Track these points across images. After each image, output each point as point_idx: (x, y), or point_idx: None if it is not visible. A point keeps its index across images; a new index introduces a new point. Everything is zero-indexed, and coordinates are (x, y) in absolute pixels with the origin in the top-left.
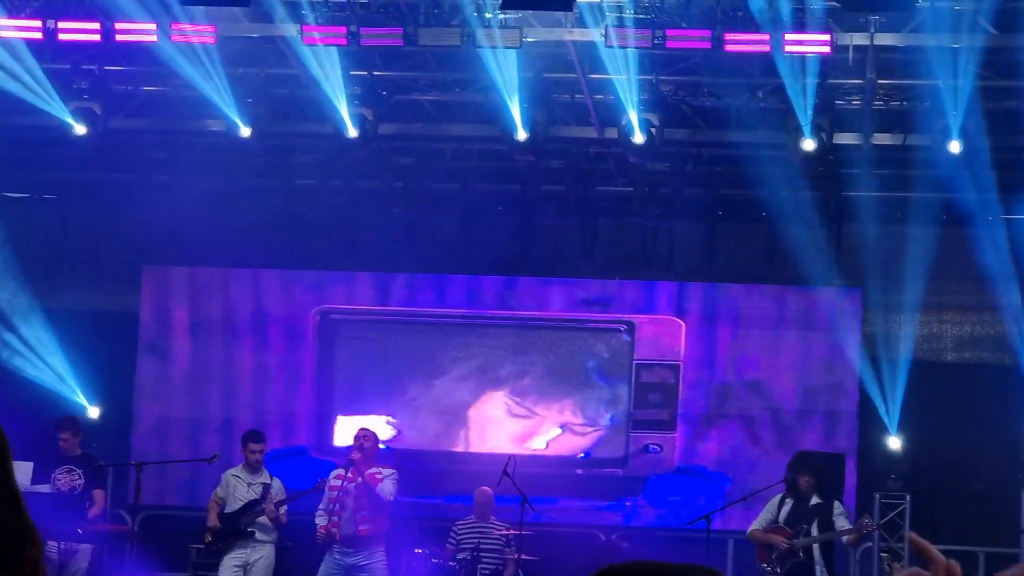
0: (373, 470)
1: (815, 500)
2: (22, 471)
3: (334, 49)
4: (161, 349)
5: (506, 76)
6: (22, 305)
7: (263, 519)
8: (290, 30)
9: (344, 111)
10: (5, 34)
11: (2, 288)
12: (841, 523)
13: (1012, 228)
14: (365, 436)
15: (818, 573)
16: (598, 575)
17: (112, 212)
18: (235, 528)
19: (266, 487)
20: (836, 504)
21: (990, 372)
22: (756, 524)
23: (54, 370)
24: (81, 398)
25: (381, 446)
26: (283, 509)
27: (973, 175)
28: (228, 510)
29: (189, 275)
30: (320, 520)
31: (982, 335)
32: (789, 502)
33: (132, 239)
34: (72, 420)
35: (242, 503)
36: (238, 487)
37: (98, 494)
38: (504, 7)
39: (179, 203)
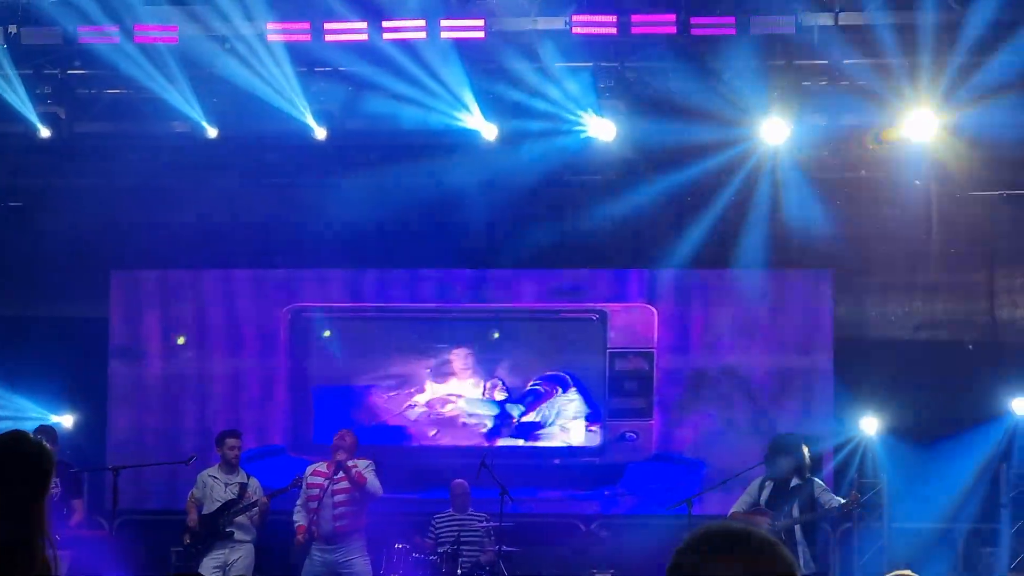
0: (353, 465)
1: (795, 481)
2: None
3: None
4: (133, 353)
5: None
6: None
7: (242, 519)
8: (250, 28)
9: (305, 109)
10: None
11: None
12: (826, 497)
13: (981, 205)
14: (347, 434)
15: (800, 554)
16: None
17: (80, 217)
18: (214, 529)
19: (243, 486)
20: (816, 482)
21: (963, 350)
22: (737, 507)
23: (27, 379)
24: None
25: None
26: (255, 511)
27: (939, 153)
28: (206, 511)
29: (159, 278)
30: (298, 518)
31: (955, 312)
32: (769, 484)
33: (100, 244)
34: (49, 429)
35: (219, 503)
36: (215, 487)
37: (77, 504)
38: None
39: (147, 206)
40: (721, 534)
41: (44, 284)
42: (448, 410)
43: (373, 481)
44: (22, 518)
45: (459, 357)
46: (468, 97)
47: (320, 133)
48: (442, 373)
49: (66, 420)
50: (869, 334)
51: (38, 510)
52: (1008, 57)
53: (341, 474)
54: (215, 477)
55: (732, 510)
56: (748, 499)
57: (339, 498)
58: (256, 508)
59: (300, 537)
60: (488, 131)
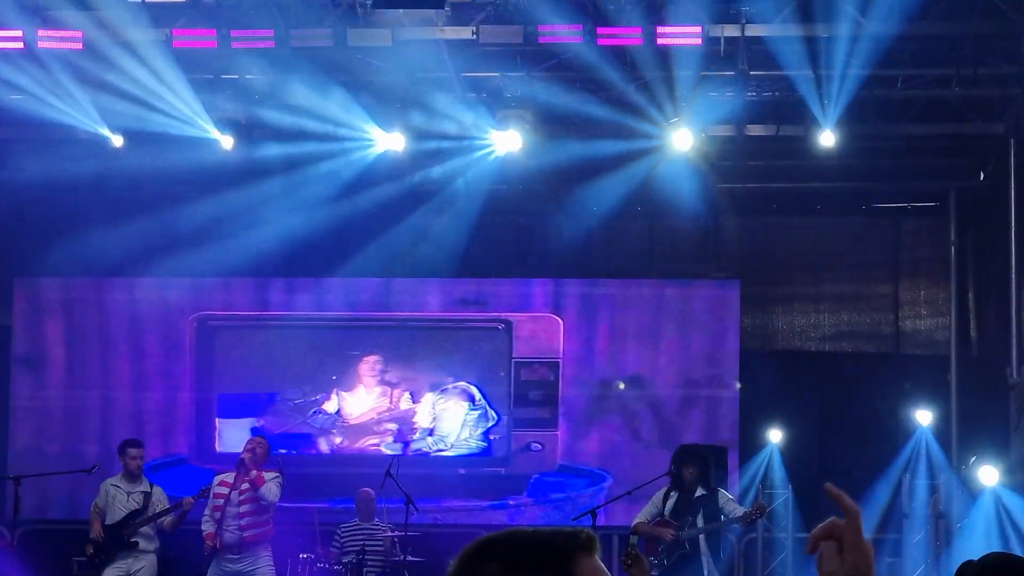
0: (255, 473)
1: (699, 491)
2: None
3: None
4: (35, 362)
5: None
6: None
7: (146, 529)
8: (159, 35)
9: (206, 120)
10: None
11: None
12: (731, 507)
13: (886, 217)
14: (259, 443)
15: (704, 563)
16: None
17: None
18: (117, 539)
19: (146, 495)
20: (721, 492)
21: (866, 359)
22: (640, 517)
23: None
24: None
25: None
26: (169, 518)
27: (846, 165)
28: (109, 521)
29: (62, 285)
30: (206, 527)
31: (858, 323)
32: (674, 495)
33: (3, 251)
34: None
35: (123, 513)
36: (118, 496)
37: None
38: (375, 6)
39: (51, 213)
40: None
41: None
42: (354, 419)
43: (270, 487)
44: None
45: (367, 364)
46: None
47: (226, 143)
48: (350, 382)
49: None
50: (775, 345)
51: None
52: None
53: (245, 484)
54: (118, 486)
55: (636, 520)
56: (653, 509)
57: (244, 508)
58: (165, 516)
59: (208, 543)
60: (395, 141)
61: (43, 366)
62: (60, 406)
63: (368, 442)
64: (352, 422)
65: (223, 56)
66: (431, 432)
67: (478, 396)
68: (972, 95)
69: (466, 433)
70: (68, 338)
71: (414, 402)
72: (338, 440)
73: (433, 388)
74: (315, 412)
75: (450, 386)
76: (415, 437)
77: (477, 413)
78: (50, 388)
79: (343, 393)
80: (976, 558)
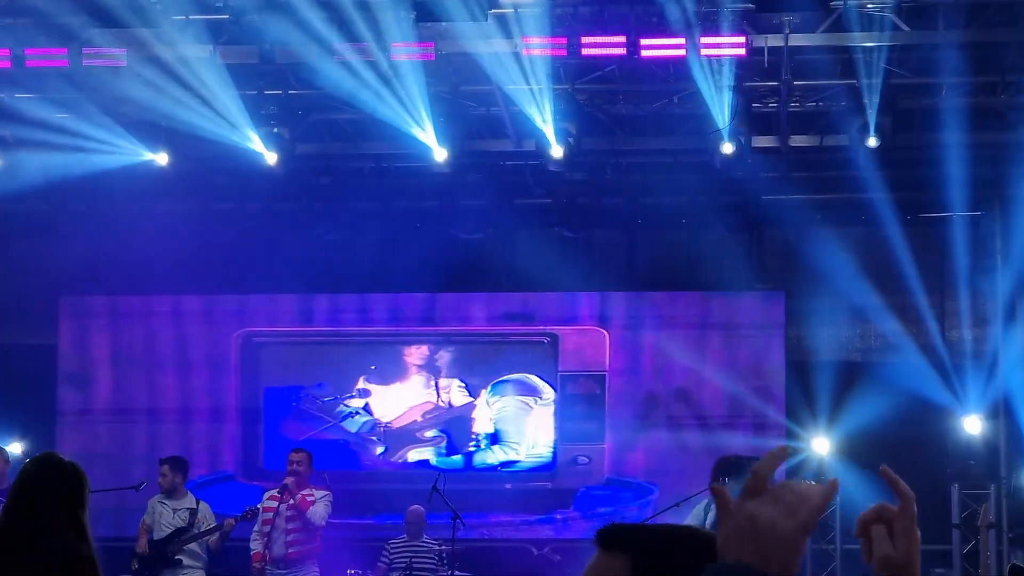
0: (306, 491)
1: None
2: None
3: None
4: (82, 380)
5: (419, 90)
6: None
7: (192, 546)
8: (203, 51)
9: (252, 133)
10: None
11: None
12: None
13: (930, 227)
14: (299, 461)
15: None
16: None
17: (28, 242)
18: (162, 555)
19: (192, 512)
20: None
21: (913, 370)
22: None
23: None
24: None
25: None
26: (214, 537)
27: (891, 175)
28: (155, 537)
29: (108, 304)
30: (255, 546)
31: (904, 334)
32: (714, 507)
33: (49, 269)
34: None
35: (169, 530)
36: (164, 513)
37: None
38: (419, 20)
39: (96, 231)
40: None
41: None
42: (395, 422)
43: (317, 510)
44: (76, 528)
45: (411, 354)
46: (423, 119)
47: (271, 158)
48: (388, 373)
49: (14, 448)
50: (821, 356)
51: (84, 519)
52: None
53: (292, 501)
54: (164, 503)
55: None
56: (693, 522)
57: (291, 524)
58: (210, 536)
59: (256, 564)
60: (439, 154)
61: (90, 384)
62: (107, 424)
63: (415, 454)
64: (393, 425)
65: (265, 71)
66: (495, 439)
67: (546, 389)
68: (1017, 102)
69: (541, 437)
70: (114, 356)
71: (469, 392)
72: (379, 451)
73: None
74: (348, 415)
75: (509, 378)
76: (473, 447)
77: (548, 410)
78: (97, 406)
79: (376, 387)
80: None
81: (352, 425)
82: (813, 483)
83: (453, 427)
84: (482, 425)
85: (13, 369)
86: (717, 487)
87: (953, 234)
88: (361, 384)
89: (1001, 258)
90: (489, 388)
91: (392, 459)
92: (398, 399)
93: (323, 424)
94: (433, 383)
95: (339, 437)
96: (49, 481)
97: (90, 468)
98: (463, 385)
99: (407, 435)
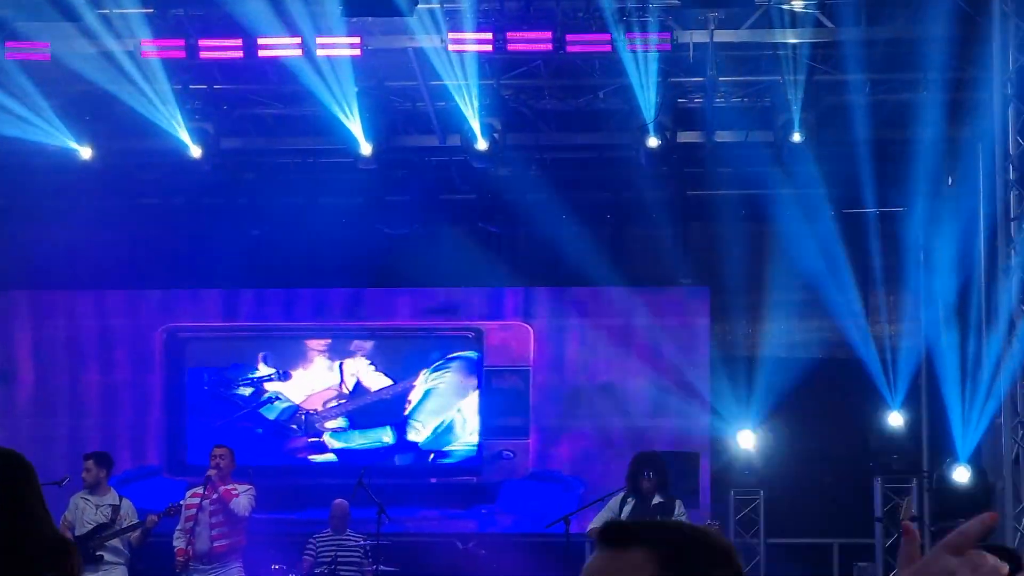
0: (229, 486)
1: (657, 499)
2: None
3: (168, 63)
4: (4, 375)
5: (346, 86)
6: None
7: (114, 542)
8: (127, 45)
9: (182, 129)
10: None
11: None
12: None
13: (854, 223)
14: (221, 454)
15: None
16: None
17: None
18: (83, 552)
19: (115, 508)
20: (678, 503)
21: (838, 366)
22: (596, 522)
23: None
24: None
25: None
26: (136, 533)
27: (815, 171)
28: (77, 533)
29: (31, 298)
30: (178, 543)
31: (828, 329)
32: (631, 501)
33: None
34: None
35: (91, 526)
36: (86, 510)
37: None
38: (345, 14)
39: (19, 226)
40: None
41: None
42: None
43: (240, 502)
44: (39, 516)
45: (314, 345)
46: (349, 115)
47: (195, 152)
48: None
49: None
50: (746, 352)
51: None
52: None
53: (216, 495)
54: (86, 499)
55: (591, 526)
56: (608, 515)
57: (215, 519)
58: (132, 532)
59: (180, 559)
60: (365, 149)
61: (13, 379)
62: (30, 419)
63: (341, 452)
64: (324, 431)
65: (191, 66)
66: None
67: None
68: (940, 99)
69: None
70: (37, 351)
71: (386, 410)
72: (302, 440)
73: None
74: (267, 400)
75: (456, 355)
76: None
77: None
78: (19, 401)
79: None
80: None
81: (271, 412)
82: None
83: (374, 409)
84: (416, 396)
85: None
86: (909, 526)
87: (877, 229)
88: (262, 370)
89: (924, 253)
90: (432, 367)
91: (313, 446)
92: (306, 383)
93: (240, 411)
94: (337, 366)
95: (256, 427)
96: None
97: None
98: (372, 365)
99: (325, 420)
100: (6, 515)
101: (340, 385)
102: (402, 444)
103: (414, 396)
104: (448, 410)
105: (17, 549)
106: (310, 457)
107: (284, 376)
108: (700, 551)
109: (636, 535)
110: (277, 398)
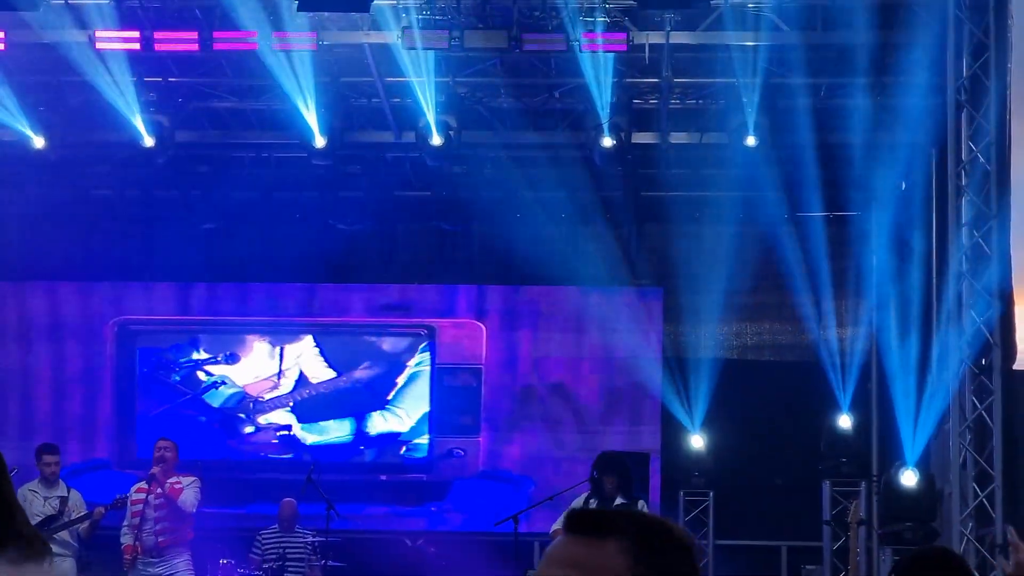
0: (173, 479)
1: (619, 500)
2: None
3: (127, 55)
4: None
5: (302, 81)
6: None
7: (63, 534)
8: (81, 36)
9: (139, 119)
10: None
11: None
12: None
13: (806, 227)
14: (166, 447)
15: None
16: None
17: None
18: None
19: (63, 500)
20: (640, 503)
21: (788, 369)
22: (559, 524)
23: None
24: None
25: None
26: (84, 525)
27: (767, 174)
28: None
29: None
30: (125, 539)
31: (779, 332)
32: (593, 502)
33: None
34: None
35: (39, 518)
36: (34, 502)
37: None
38: (300, 8)
39: None
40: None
41: None
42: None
43: (187, 496)
44: (14, 505)
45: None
46: (304, 110)
47: (149, 142)
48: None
49: None
50: (698, 354)
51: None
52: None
53: (161, 489)
54: (34, 491)
55: (554, 527)
56: None
57: (160, 513)
58: (80, 524)
59: (127, 556)
60: (320, 144)
61: None
62: None
63: (290, 447)
64: (274, 427)
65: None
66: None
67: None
68: (894, 104)
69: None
70: None
71: (338, 405)
72: (248, 430)
73: (355, 392)
74: (211, 386)
75: (372, 390)
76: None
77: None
78: None
79: (227, 367)
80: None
81: (215, 398)
82: None
83: (328, 400)
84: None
85: None
86: (1016, 542)
87: (828, 233)
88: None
89: (875, 258)
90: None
91: (262, 437)
92: (251, 368)
93: (182, 397)
94: (278, 351)
95: (199, 415)
96: None
97: None
98: (317, 348)
99: (273, 408)
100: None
101: (280, 375)
102: (361, 438)
103: (400, 379)
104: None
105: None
106: (264, 452)
107: (231, 359)
108: (669, 544)
109: (611, 525)
110: (223, 383)
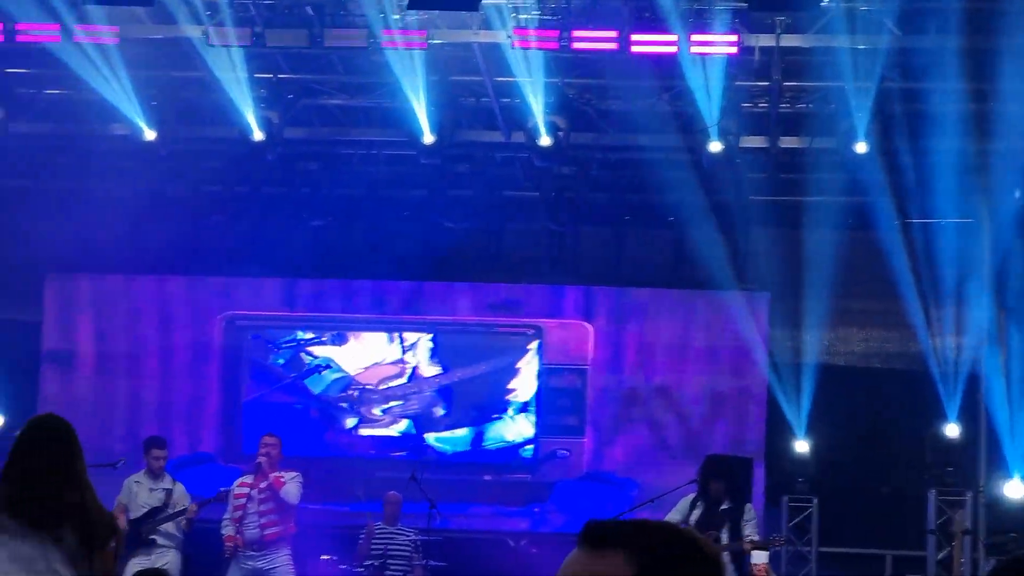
0: (276, 474)
1: (726, 504)
2: None
3: (239, 51)
4: (65, 358)
5: (412, 79)
6: None
7: (167, 526)
8: (194, 31)
9: (250, 115)
10: None
11: None
12: (748, 530)
13: (917, 233)
14: (271, 443)
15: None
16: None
17: (14, 219)
18: (136, 535)
19: (168, 492)
20: (747, 508)
21: (896, 376)
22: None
23: None
24: None
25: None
26: (182, 519)
27: (878, 179)
28: (131, 516)
29: (93, 283)
30: (227, 530)
31: (888, 339)
32: (700, 505)
33: (35, 247)
34: None
35: (144, 510)
36: (140, 493)
37: None
38: (410, 7)
39: (83, 209)
40: None
41: None
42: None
43: (289, 489)
44: (82, 482)
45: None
46: (415, 108)
47: (259, 137)
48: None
49: None
50: (803, 358)
51: (79, 468)
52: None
53: (265, 483)
54: (140, 483)
55: None
56: (677, 516)
57: (264, 507)
58: (183, 516)
59: (229, 545)
60: (429, 142)
61: (72, 362)
62: (88, 402)
63: (393, 446)
64: (378, 426)
65: (257, 55)
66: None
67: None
68: (1007, 110)
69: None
70: (97, 335)
71: (445, 404)
72: (350, 423)
73: (462, 391)
74: (312, 369)
75: (480, 390)
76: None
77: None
78: (79, 384)
79: (336, 348)
80: None
81: (317, 384)
82: None
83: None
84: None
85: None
86: None
87: (940, 241)
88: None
89: (988, 267)
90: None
91: (365, 431)
92: (362, 353)
93: (282, 381)
94: (397, 338)
95: (297, 400)
96: (41, 440)
97: None
98: (432, 347)
99: (384, 400)
100: (64, 481)
101: (401, 363)
102: (480, 442)
103: (513, 382)
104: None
105: (77, 515)
106: (367, 449)
107: (338, 339)
108: (681, 557)
109: (614, 537)
110: (327, 366)
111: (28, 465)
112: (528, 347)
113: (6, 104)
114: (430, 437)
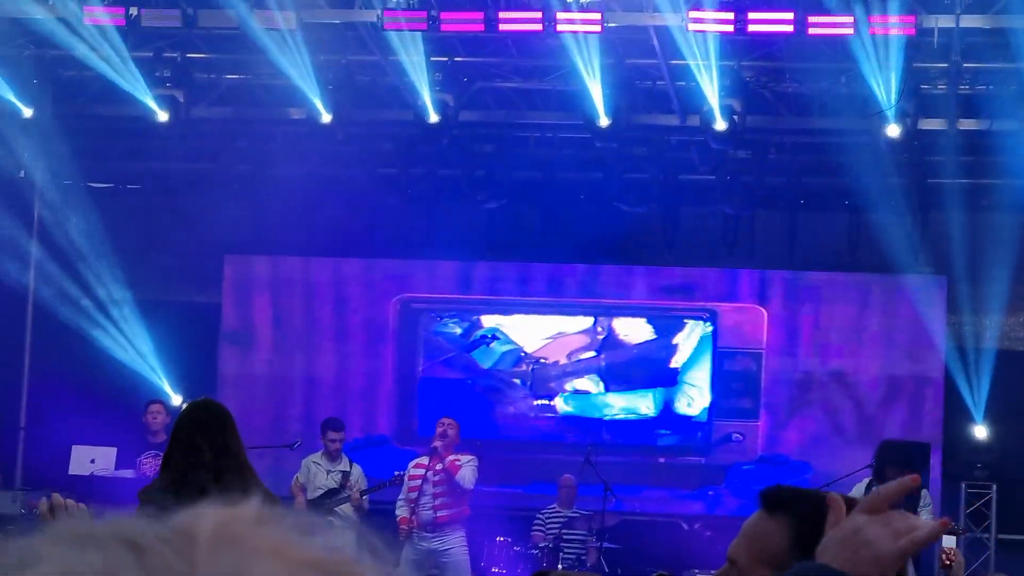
0: (452, 457)
1: None
2: (106, 457)
3: (416, 35)
4: (243, 338)
5: (587, 62)
6: (114, 292)
7: (344, 507)
8: (371, 15)
9: (426, 97)
10: (90, 20)
11: (95, 275)
12: (925, 516)
13: None
14: (449, 424)
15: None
16: None
17: (194, 202)
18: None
19: (345, 475)
20: (924, 494)
21: None
22: None
23: (144, 358)
24: (167, 386)
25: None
26: (365, 497)
27: None
28: (308, 497)
29: (271, 264)
30: (401, 511)
31: None
32: (876, 490)
33: (214, 228)
34: (160, 402)
35: (321, 491)
36: (317, 474)
37: None
38: None
39: (260, 193)
40: None
41: (159, 267)
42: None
43: (464, 473)
44: (242, 464)
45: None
46: (590, 91)
47: (434, 119)
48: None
49: (175, 401)
50: (982, 343)
51: (235, 446)
52: None
53: (440, 466)
54: (318, 464)
55: None
56: None
57: (438, 489)
58: (359, 498)
59: (403, 527)
60: (604, 125)
61: (250, 343)
62: (266, 383)
63: (568, 430)
64: (554, 409)
65: (433, 38)
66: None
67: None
68: None
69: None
70: (274, 316)
71: (618, 387)
72: (524, 401)
73: (638, 374)
74: (479, 341)
75: (654, 373)
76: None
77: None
78: (256, 365)
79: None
80: None
81: (487, 357)
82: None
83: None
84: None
85: (178, 325)
86: (833, 497)
87: None
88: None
89: None
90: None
91: (538, 409)
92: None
93: (444, 354)
94: (591, 320)
95: (466, 376)
96: (198, 420)
97: (247, 426)
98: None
99: (566, 379)
100: (224, 465)
101: (594, 331)
102: (667, 416)
103: (680, 356)
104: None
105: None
106: (541, 430)
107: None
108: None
109: (784, 503)
110: (495, 337)
111: (188, 449)
112: (686, 322)
113: (186, 89)
114: (616, 403)
